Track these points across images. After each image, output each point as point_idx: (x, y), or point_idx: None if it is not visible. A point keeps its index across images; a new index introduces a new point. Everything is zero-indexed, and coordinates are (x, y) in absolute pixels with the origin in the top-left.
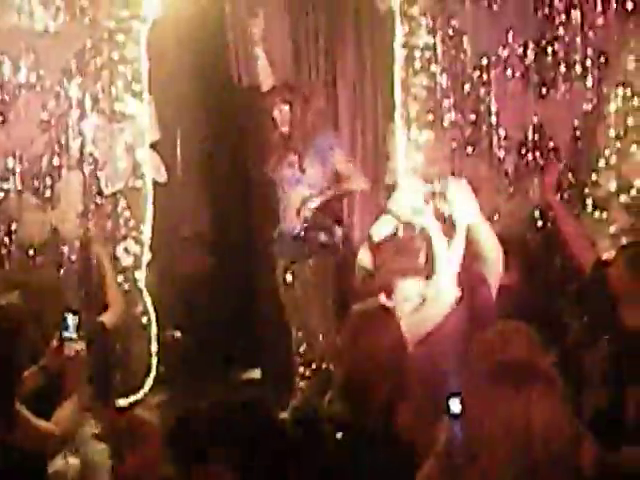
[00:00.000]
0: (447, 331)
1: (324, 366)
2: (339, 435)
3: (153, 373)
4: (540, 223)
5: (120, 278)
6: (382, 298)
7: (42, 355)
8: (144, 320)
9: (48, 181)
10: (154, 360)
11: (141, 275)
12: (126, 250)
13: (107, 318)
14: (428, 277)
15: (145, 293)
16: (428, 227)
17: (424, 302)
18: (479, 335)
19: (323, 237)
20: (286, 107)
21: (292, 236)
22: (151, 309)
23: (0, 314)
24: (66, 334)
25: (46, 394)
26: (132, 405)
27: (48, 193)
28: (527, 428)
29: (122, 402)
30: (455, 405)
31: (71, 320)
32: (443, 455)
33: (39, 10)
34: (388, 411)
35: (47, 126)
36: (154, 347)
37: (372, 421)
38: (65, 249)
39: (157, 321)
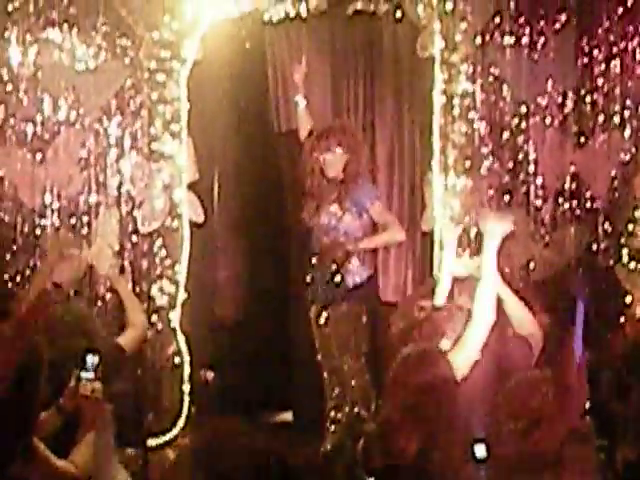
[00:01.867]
0: (477, 380)
1: (356, 410)
2: None
3: (185, 414)
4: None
5: (154, 318)
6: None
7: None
8: (177, 360)
9: (85, 219)
10: (186, 400)
11: (175, 315)
12: (161, 290)
13: (125, 339)
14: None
15: (179, 333)
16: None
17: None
18: (505, 384)
19: (356, 282)
20: (339, 150)
21: (325, 281)
22: (184, 349)
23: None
24: (83, 374)
25: (65, 435)
26: (163, 445)
27: (85, 230)
28: None
29: (153, 442)
30: (480, 450)
31: (90, 360)
32: None
33: (80, 48)
34: (422, 457)
35: (85, 164)
36: (186, 387)
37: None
38: (101, 287)
39: (190, 362)
